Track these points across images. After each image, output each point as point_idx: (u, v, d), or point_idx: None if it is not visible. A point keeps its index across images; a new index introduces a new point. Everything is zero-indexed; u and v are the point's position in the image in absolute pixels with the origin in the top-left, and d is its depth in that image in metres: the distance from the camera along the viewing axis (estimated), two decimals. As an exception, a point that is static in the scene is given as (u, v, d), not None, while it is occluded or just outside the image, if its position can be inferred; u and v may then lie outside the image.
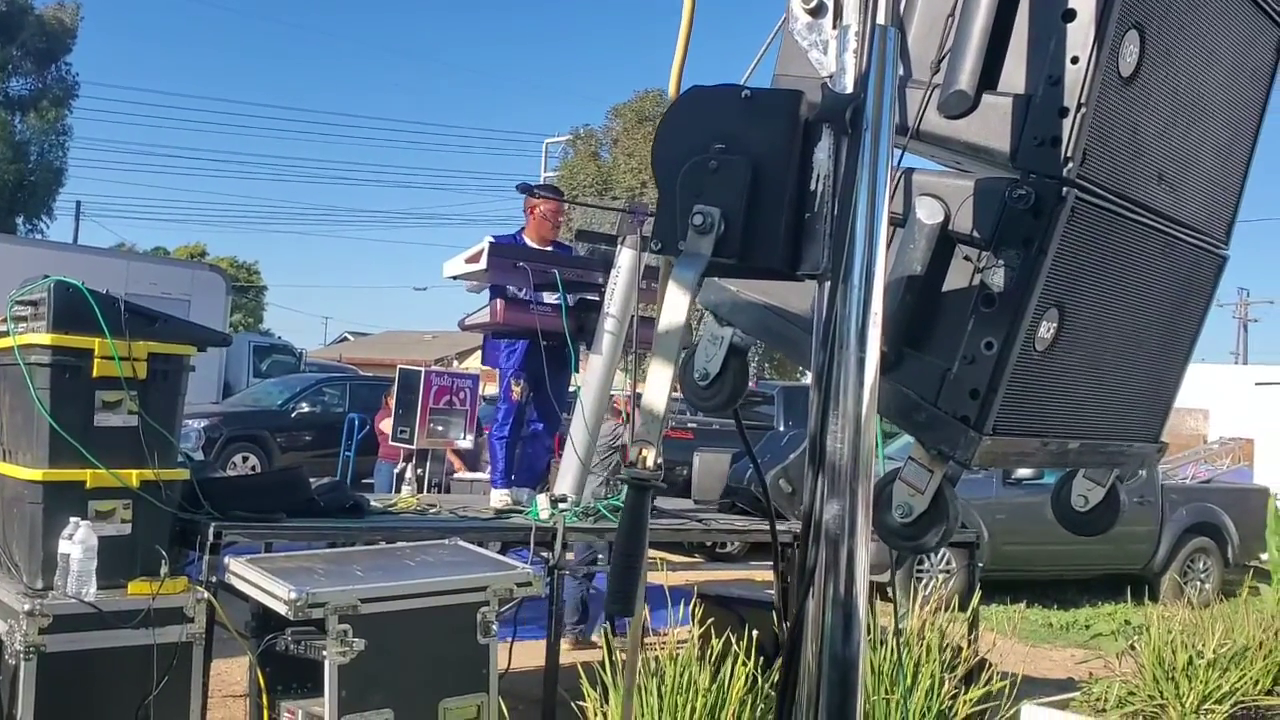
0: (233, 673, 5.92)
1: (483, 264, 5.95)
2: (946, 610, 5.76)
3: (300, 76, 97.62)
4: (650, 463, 1.49)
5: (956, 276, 1.86)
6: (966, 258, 1.85)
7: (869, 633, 5.08)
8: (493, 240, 6.22)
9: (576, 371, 6.64)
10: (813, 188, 1.59)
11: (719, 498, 7.14)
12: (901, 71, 1.94)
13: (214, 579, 4.42)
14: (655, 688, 4.24)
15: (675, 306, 1.52)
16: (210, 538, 4.48)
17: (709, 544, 12.15)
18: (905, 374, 1.87)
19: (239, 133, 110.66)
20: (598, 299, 6.16)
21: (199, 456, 13.37)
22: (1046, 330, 1.85)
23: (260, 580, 4.22)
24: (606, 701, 4.33)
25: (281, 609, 4.08)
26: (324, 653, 4.10)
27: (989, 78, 1.83)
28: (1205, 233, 2.16)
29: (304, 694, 4.38)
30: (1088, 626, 10.54)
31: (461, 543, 4.98)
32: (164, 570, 4.15)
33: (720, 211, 1.55)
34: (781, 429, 12.65)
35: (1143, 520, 11.90)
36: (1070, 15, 1.75)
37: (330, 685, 4.07)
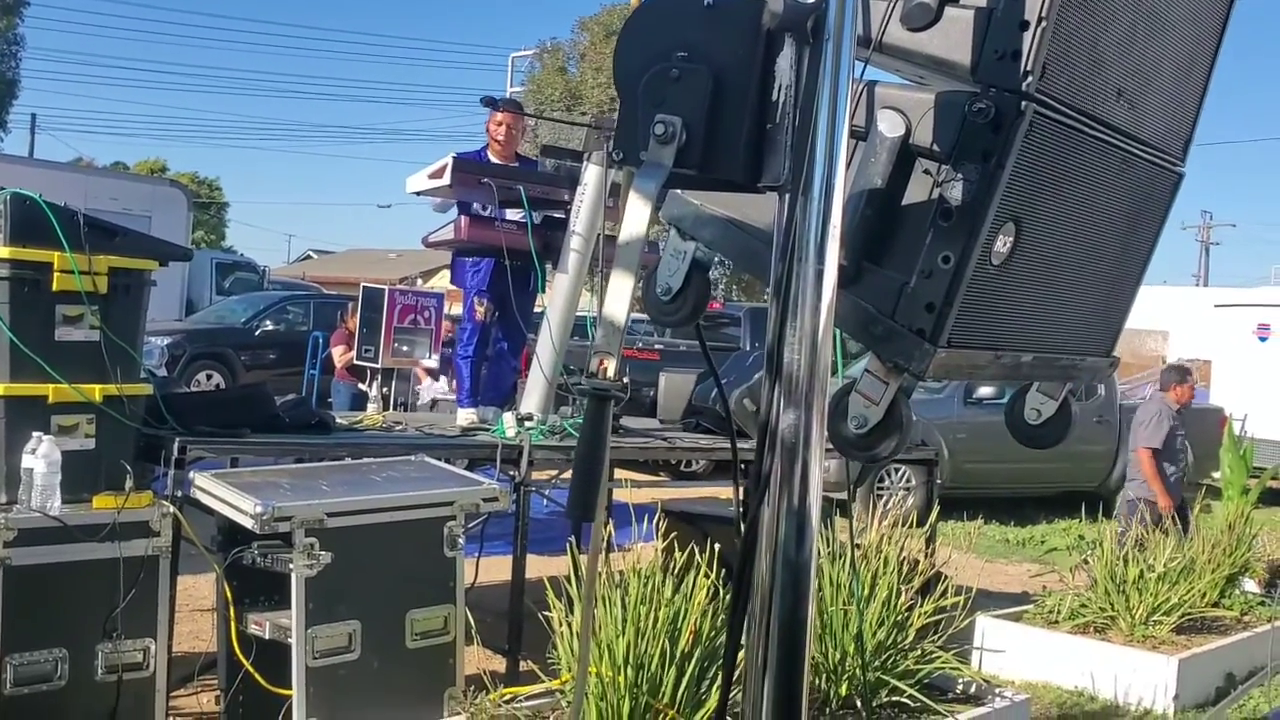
0: (200, 587, 5.96)
1: (446, 179, 5.88)
2: (905, 526, 5.88)
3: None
4: (610, 373, 1.51)
5: (916, 190, 1.88)
6: (926, 171, 1.86)
7: (829, 546, 5.19)
8: (457, 156, 6.15)
9: (543, 292, 6.62)
10: (774, 98, 1.59)
11: (683, 417, 7.20)
12: (866, -17, 1.93)
13: (180, 494, 4.43)
14: (619, 599, 4.31)
15: (636, 217, 1.52)
16: (175, 452, 4.48)
17: (674, 462, 12.27)
18: (864, 288, 1.89)
19: (198, 45, 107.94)
20: (564, 216, 6.13)
21: (162, 373, 13.29)
22: (1003, 244, 1.87)
23: (226, 495, 4.24)
24: (572, 612, 4.41)
25: (248, 523, 4.11)
26: (290, 566, 4.14)
27: (954, -10, 1.83)
28: (1163, 150, 2.18)
29: (271, 606, 4.43)
30: (1043, 542, 10.79)
31: (428, 459, 5.01)
32: (129, 485, 4.16)
33: (682, 121, 1.55)
34: (747, 349, 12.71)
35: (1100, 439, 12.14)
36: (1033, -72, 1.74)
37: (297, 597, 4.12)
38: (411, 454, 5.07)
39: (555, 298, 6.11)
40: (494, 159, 6.54)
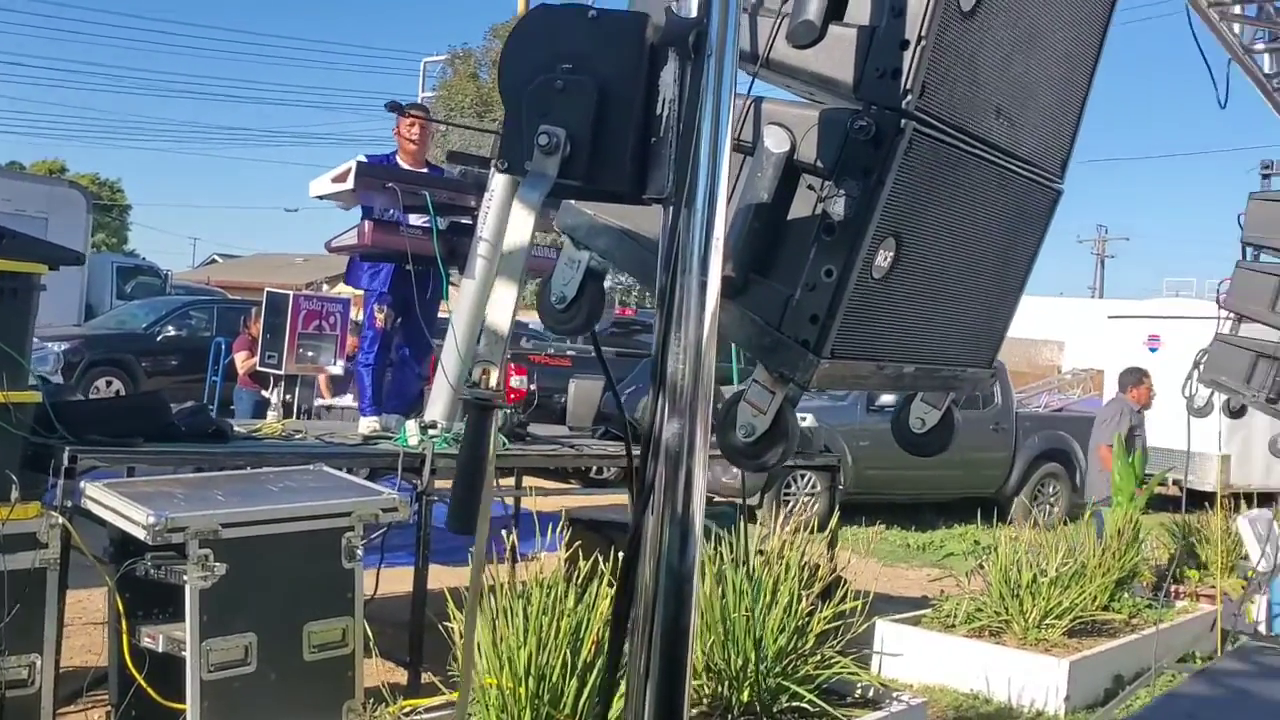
0: (94, 600, 5.80)
1: (349, 184, 5.82)
2: (808, 531, 5.96)
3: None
4: (493, 382, 1.51)
5: (801, 205, 1.92)
6: (810, 186, 1.90)
7: (732, 552, 5.24)
8: (363, 160, 6.08)
9: (446, 298, 6.58)
10: (659, 111, 1.61)
11: (592, 424, 7.21)
12: (754, 0, 1.96)
13: (70, 504, 4.30)
14: (521, 609, 4.30)
15: (519, 227, 1.53)
16: (65, 462, 4.35)
17: (585, 469, 12.26)
18: (751, 299, 1.92)
19: (101, 43, 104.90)
20: (470, 222, 6.09)
21: (57, 380, 12.88)
22: (884, 259, 1.92)
23: (118, 505, 4.13)
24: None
25: (140, 534, 4.01)
26: (184, 577, 4.06)
27: (837, 8, 1.87)
28: (1041, 167, 2.25)
29: (165, 619, 4.33)
30: (941, 547, 11.02)
31: (326, 468, 4.94)
32: (14, 495, 4.03)
33: (566, 132, 1.56)
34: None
35: (997, 446, 12.45)
36: (913, -52, 1.79)
37: (191, 609, 4.03)
38: (310, 463, 5.00)
39: (461, 303, 6.07)
40: (404, 164, 6.49)
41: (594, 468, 12.21)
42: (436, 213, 5.96)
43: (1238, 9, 4.28)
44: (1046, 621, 6.65)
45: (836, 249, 1.85)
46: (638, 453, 1.65)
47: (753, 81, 1.96)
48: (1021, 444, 12.68)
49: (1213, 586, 8.02)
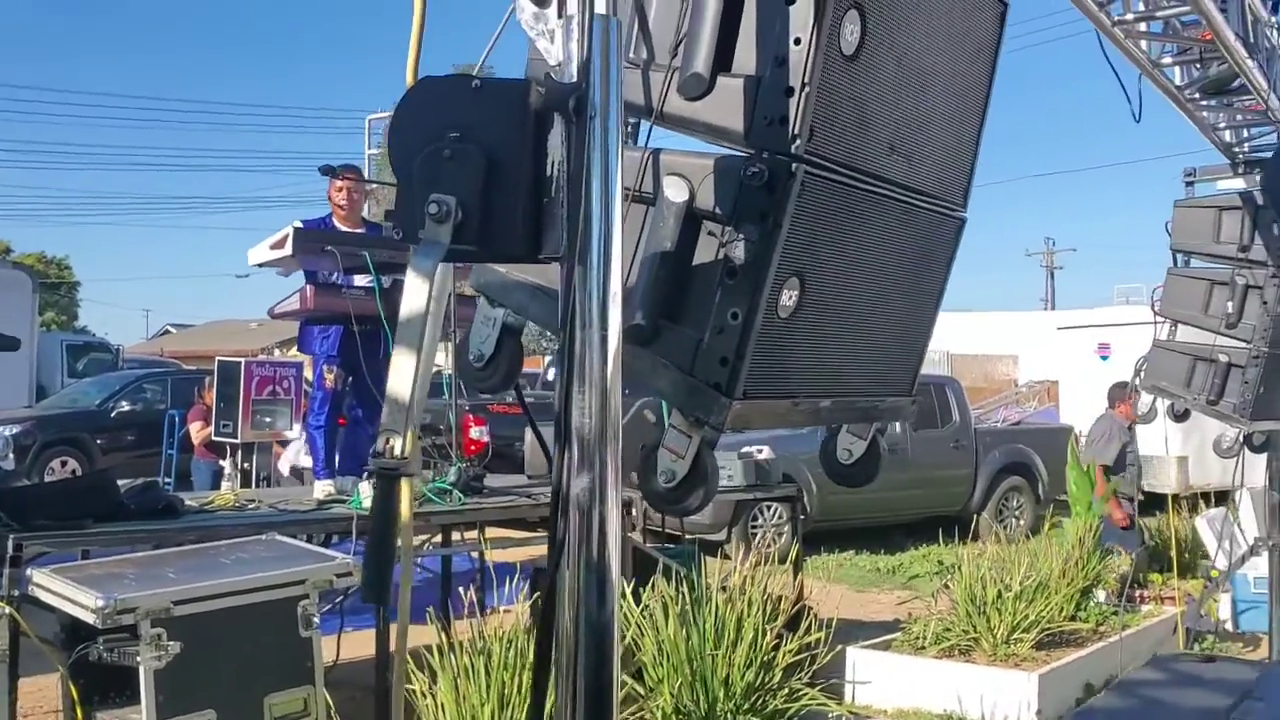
0: (49, 688, 5.69)
1: (288, 249, 5.82)
2: (772, 563, 5.98)
3: (123, 60, 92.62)
4: (399, 451, 1.53)
5: (704, 251, 1.95)
6: (711, 233, 1.94)
7: (694, 591, 5.24)
8: (299, 225, 6.09)
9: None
10: (549, 173, 1.64)
11: (550, 471, 7.20)
12: (645, 55, 2.01)
13: (17, 593, 4.24)
14: (483, 666, 4.28)
15: (415, 295, 1.55)
16: (10, 550, 4.29)
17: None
18: (663, 346, 1.95)
19: (43, 121, 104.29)
20: (413, 280, 6.09)
21: (8, 464, 12.69)
22: (789, 298, 1.96)
23: (66, 590, 4.08)
24: (435, 683, 4.36)
25: (90, 618, 3.96)
26: (137, 658, 4.00)
27: (724, 60, 1.92)
28: (941, 198, 2.31)
29: (121, 703, 4.26)
30: (910, 569, 11.06)
31: (279, 536, 4.90)
32: (-42, 588, 3.97)
33: (456, 200, 1.59)
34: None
35: (959, 463, 12.54)
36: (793, -2, 1.85)
37: (147, 691, 3.97)
38: (263, 533, 4.96)
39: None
40: (339, 225, 6.50)
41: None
42: (378, 271, 5.97)
43: (1143, 26, 4.40)
44: (1014, 636, 6.69)
45: (740, 292, 1.88)
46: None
47: (649, 133, 2.00)
48: (983, 460, 12.78)
49: (1175, 589, 8.10)
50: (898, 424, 12.36)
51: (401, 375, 1.54)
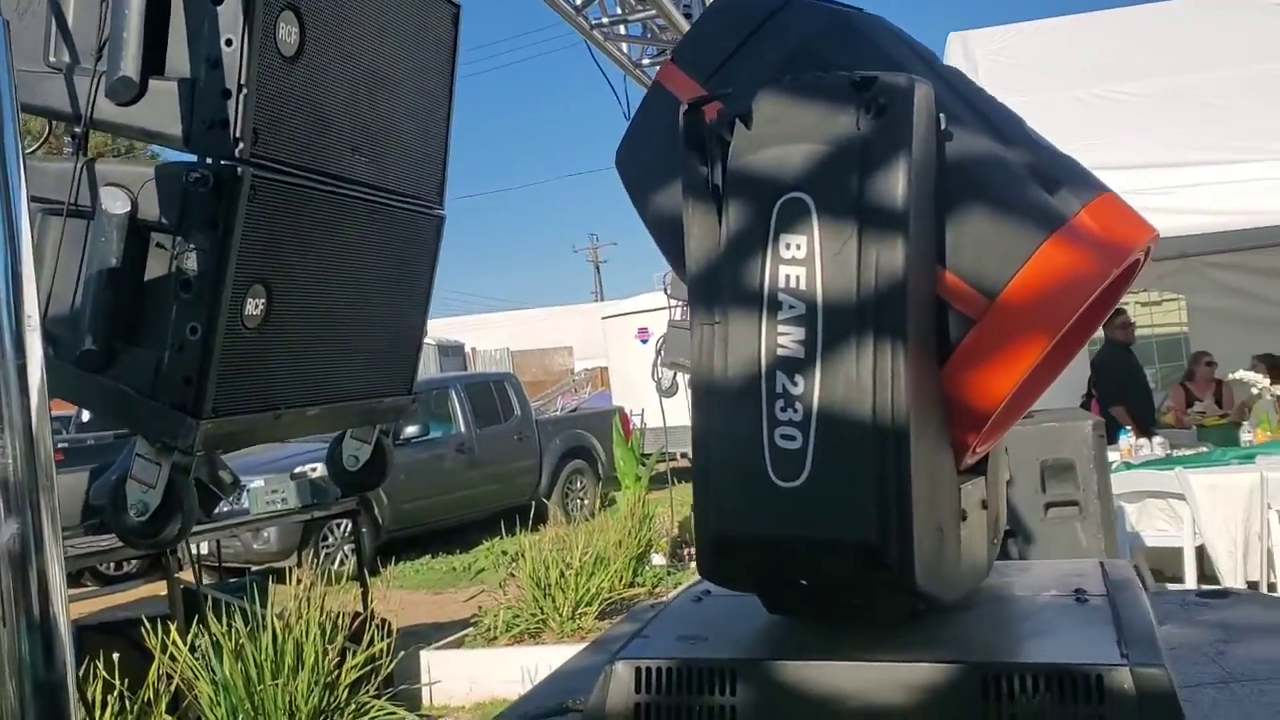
0: None
1: None
2: (331, 582, 5.83)
3: None
4: None
5: (156, 265, 1.85)
6: (161, 245, 1.83)
7: (249, 622, 4.99)
8: None
9: None
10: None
11: (84, 520, 6.57)
12: (68, 58, 1.86)
13: None
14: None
15: None
16: None
17: (99, 567, 11.14)
18: (119, 370, 1.82)
19: None
20: None
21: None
22: (255, 307, 1.89)
23: None
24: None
25: None
26: None
27: (156, 62, 1.82)
28: (415, 196, 2.33)
29: None
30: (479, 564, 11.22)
31: None
32: None
33: None
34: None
35: (524, 455, 12.91)
36: (219, -2, 1.78)
37: None
38: None
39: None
40: None
41: (110, 564, 11.11)
42: None
43: (621, 29, 4.71)
44: (579, 611, 6.99)
45: (197, 305, 1.80)
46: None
47: (84, 143, 1.86)
48: (546, 448, 13.23)
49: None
50: (461, 425, 12.54)
51: None
